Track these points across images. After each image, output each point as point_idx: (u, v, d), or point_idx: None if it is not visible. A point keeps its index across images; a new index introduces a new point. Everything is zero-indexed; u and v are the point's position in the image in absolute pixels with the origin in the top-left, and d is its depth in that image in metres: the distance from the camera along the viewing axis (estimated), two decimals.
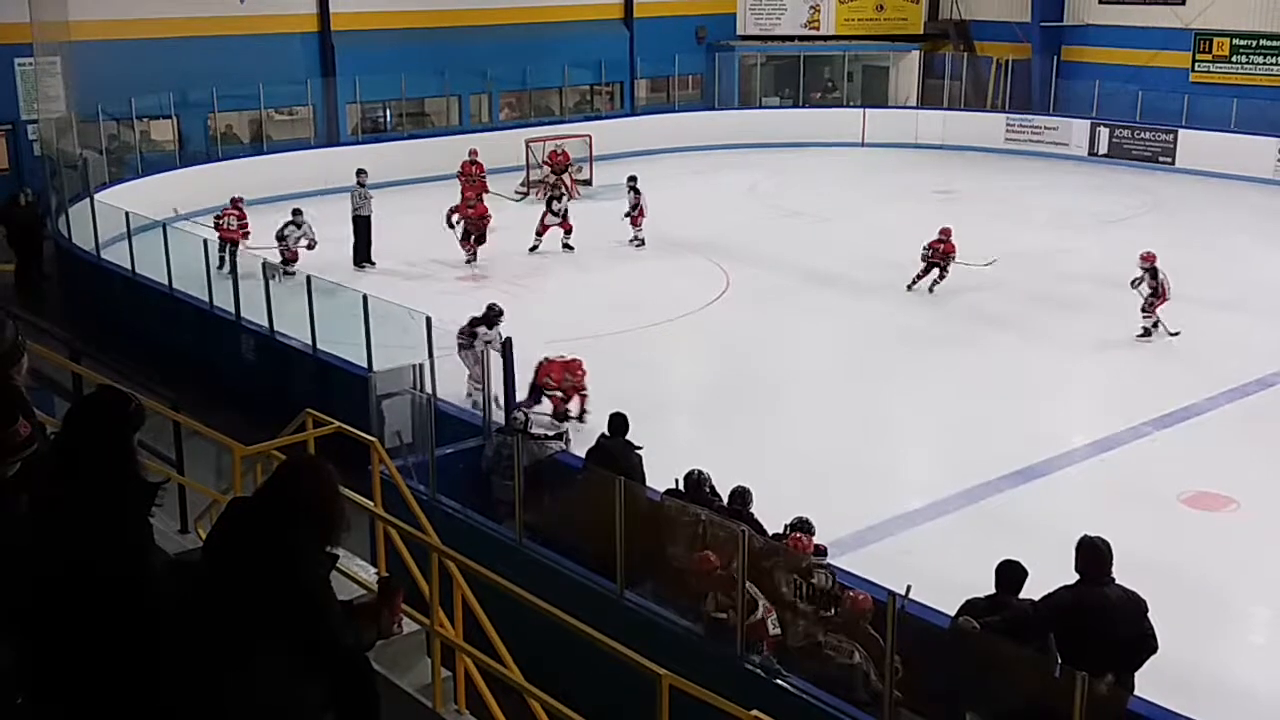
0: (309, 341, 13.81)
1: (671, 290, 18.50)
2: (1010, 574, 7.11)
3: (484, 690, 6.36)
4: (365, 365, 12.51)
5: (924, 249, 18.38)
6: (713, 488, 9.26)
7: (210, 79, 24.54)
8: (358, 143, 27.73)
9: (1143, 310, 16.26)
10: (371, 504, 7.22)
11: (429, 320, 12.05)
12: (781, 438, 12.93)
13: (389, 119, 29.12)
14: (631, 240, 21.19)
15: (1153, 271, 16.29)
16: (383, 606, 3.89)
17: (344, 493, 3.79)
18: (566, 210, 20.83)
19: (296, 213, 18.94)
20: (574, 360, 13.03)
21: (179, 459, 8.23)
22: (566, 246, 20.60)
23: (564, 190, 23.02)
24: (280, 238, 18.53)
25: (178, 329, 16.14)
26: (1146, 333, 16.21)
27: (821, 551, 8.26)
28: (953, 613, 7.14)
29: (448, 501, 9.81)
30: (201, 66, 24.48)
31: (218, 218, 19.18)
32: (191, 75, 24.42)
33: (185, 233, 16.94)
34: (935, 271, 18.33)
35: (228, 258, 16.86)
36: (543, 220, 20.78)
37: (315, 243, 18.64)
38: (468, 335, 12.94)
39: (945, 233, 18.40)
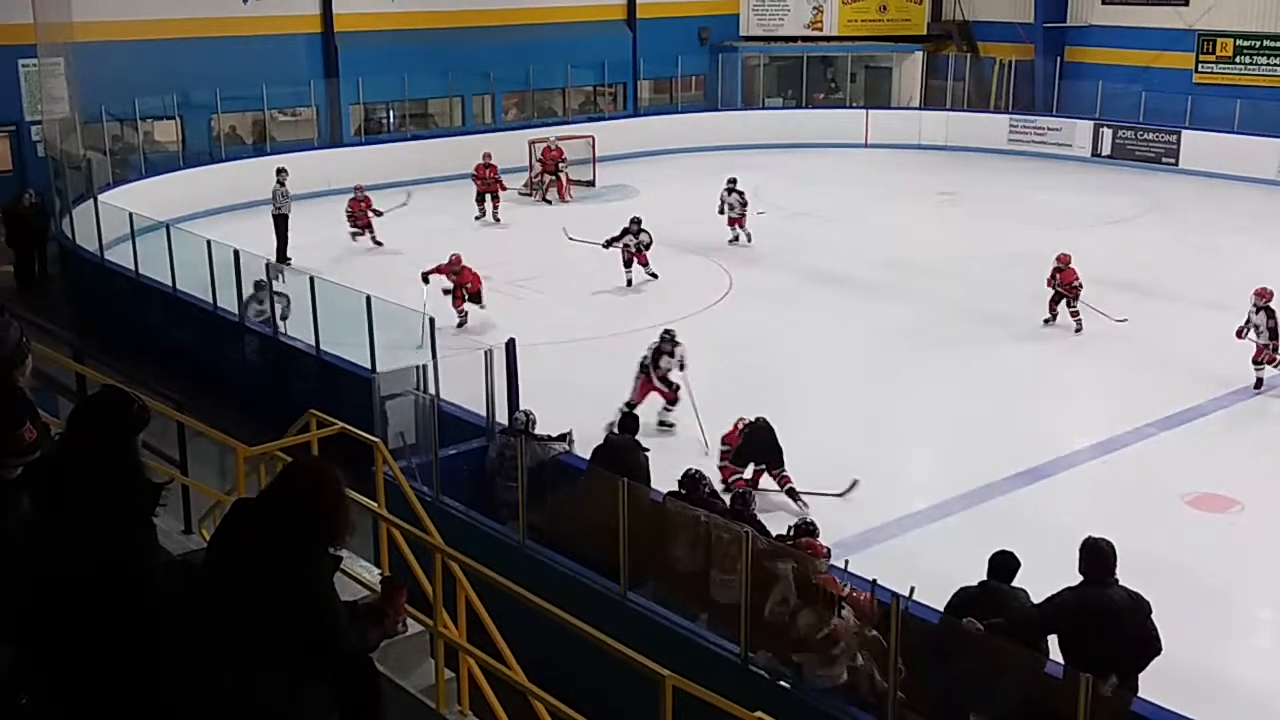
0: (312, 342, 13.82)
1: (674, 291, 18.50)
2: (1002, 563, 7.14)
3: (487, 691, 6.36)
4: (369, 366, 12.52)
5: (1049, 279, 17.01)
6: (712, 489, 9.26)
7: (213, 80, 24.59)
8: (361, 144, 27.77)
9: (1256, 361, 14.27)
10: (375, 505, 7.22)
11: (432, 321, 12.05)
12: (784, 439, 12.91)
13: (392, 120, 29.14)
14: (733, 240, 21.50)
15: (1269, 311, 14.24)
16: (386, 606, 3.89)
17: (348, 494, 3.79)
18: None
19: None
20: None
21: (183, 460, 8.24)
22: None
23: (549, 184, 23.51)
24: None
25: (181, 330, 16.15)
26: (1260, 383, 14.34)
27: (825, 554, 8.25)
28: (958, 614, 7.14)
29: (451, 502, 9.81)
30: (205, 67, 24.53)
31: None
32: (195, 76, 24.46)
33: (188, 234, 16.94)
34: (1063, 302, 16.85)
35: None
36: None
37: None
38: (651, 363, 13.05)
39: (1062, 259, 16.93)
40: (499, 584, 6.06)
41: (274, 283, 14.85)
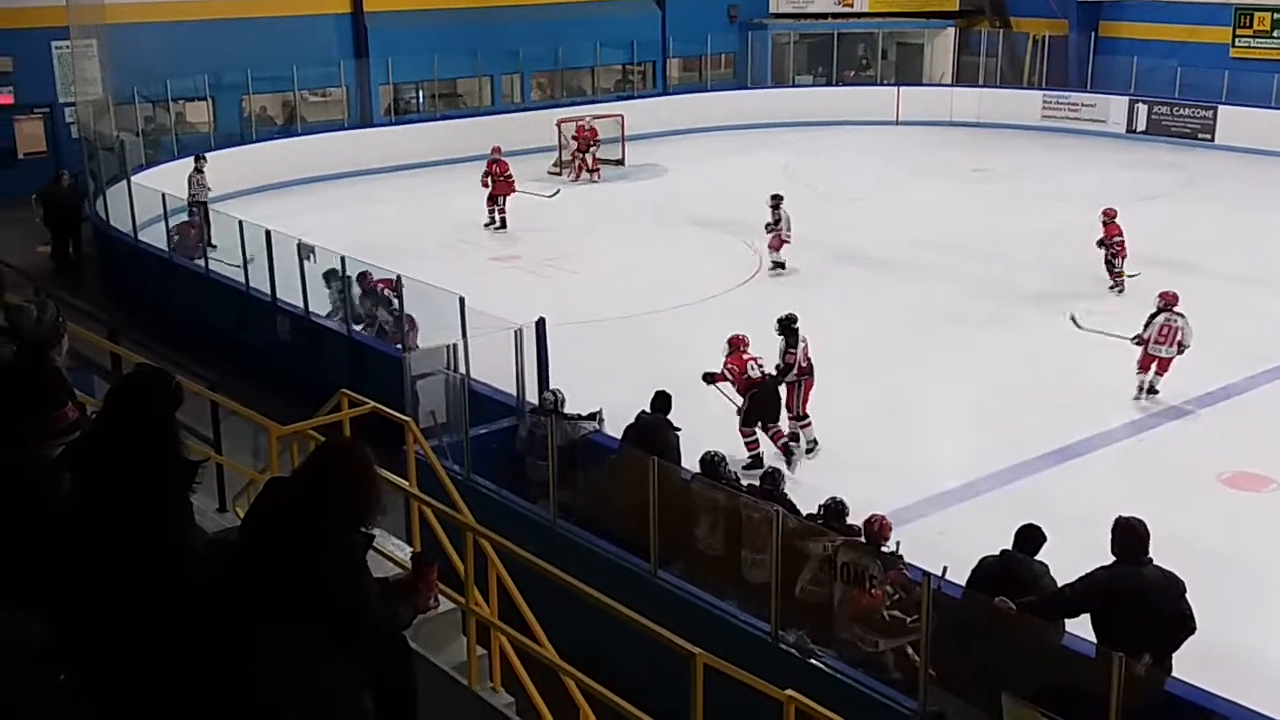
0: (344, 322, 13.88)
1: (704, 270, 18.46)
2: (1028, 536, 7.13)
3: (519, 668, 6.39)
4: (400, 346, 12.56)
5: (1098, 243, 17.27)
6: (730, 471, 9.24)
7: (244, 61, 24.69)
8: (390, 124, 27.84)
9: None
10: (406, 484, 7.26)
11: (462, 300, 12.07)
12: (816, 418, 12.89)
13: (421, 100, 29.17)
14: (773, 267, 18.65)
15: None
16: (417, 581, 3.92)
17: (380, 473, 3.81)
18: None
19: None
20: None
21: (216, 438, 8.31)
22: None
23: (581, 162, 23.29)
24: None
25: (214, 310, 16.27)
26: None
27: (856, 532, 8.24)
28: (978, 585, 7.13)
29: (482, 481, 9.85)
30: (235, 49, 24.63)
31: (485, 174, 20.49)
32: (226, 57, 24.55)
33: (220, 214, 17.03)
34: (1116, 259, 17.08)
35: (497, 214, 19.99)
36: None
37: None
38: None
39: (1108, 214, 17.21)
40: (530, 562, 6.08)
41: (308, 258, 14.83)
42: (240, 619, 3.41)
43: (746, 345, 12.25)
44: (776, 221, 18.54)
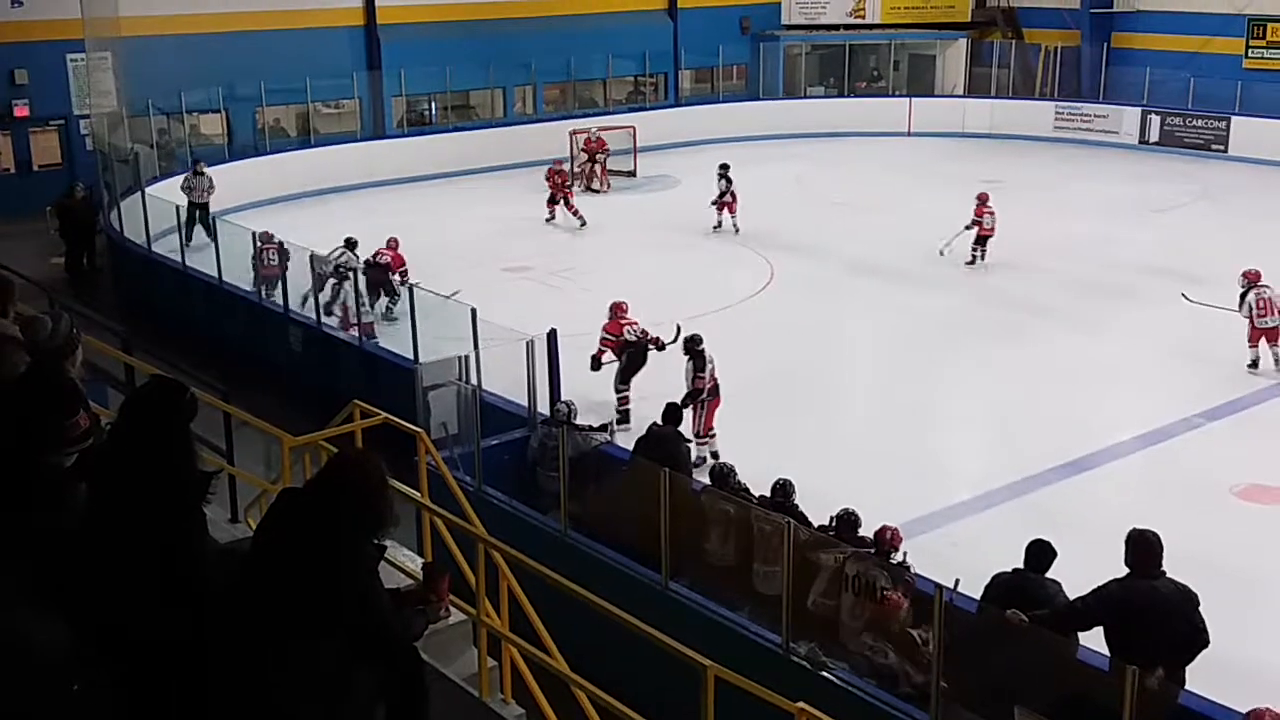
0: (356, 334, 13.92)
1: (716, 281, 18.47)
2: (1037, 553, 7.11)
3: (530, 680, 6.39)
4: (412, 357, 12.60)
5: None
6: (739, 482, 9.24)
7: (258, 73, 24.80)
8: (403, 135, 27.92)
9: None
10: (418, 495, 7.27)
11: (474, 312, 12.09)
12: (827, 429, 12.89)
13: (434, 111, 29.27)
14: (717, 226, 21.41)
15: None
16: (429, 592, 3.93)
17: (392, 484, 3.82)
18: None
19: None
20: None
21: (229, 449, 8.34)
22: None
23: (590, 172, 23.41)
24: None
25: (227, 321, 16.33)
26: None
27: (868, 544, 8.22)
28: (992, 600, 7.11)
29: (493, 492, 9.86)
30: (249, 61, 24.74)
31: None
32: (239, 70, 24.67)
33: (234, 225, 17.10)
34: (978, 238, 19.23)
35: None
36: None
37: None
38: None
39: (981, 197, 19.34)
40: (541, 573, 6.08)
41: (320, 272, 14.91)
42: (252, 630, 3.42)
43: (625, 311, 13.34)
44: (722, 193, 21.08)
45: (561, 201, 22.27)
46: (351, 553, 3.54)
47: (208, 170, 21.15)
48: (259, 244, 15.76)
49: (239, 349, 15.36)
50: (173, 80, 23.42)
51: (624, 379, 13.11)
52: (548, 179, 22.67)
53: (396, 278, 15.84)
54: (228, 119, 25.60)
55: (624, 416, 12.82)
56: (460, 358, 11.56)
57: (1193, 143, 28.92)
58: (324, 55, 26.47)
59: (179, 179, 21.76)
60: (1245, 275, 14.79)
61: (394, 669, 3.57)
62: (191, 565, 3.65)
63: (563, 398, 11.24)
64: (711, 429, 12.34)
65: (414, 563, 6.62)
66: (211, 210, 20.08)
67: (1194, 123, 28.99)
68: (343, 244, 16.16)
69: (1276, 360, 14.46)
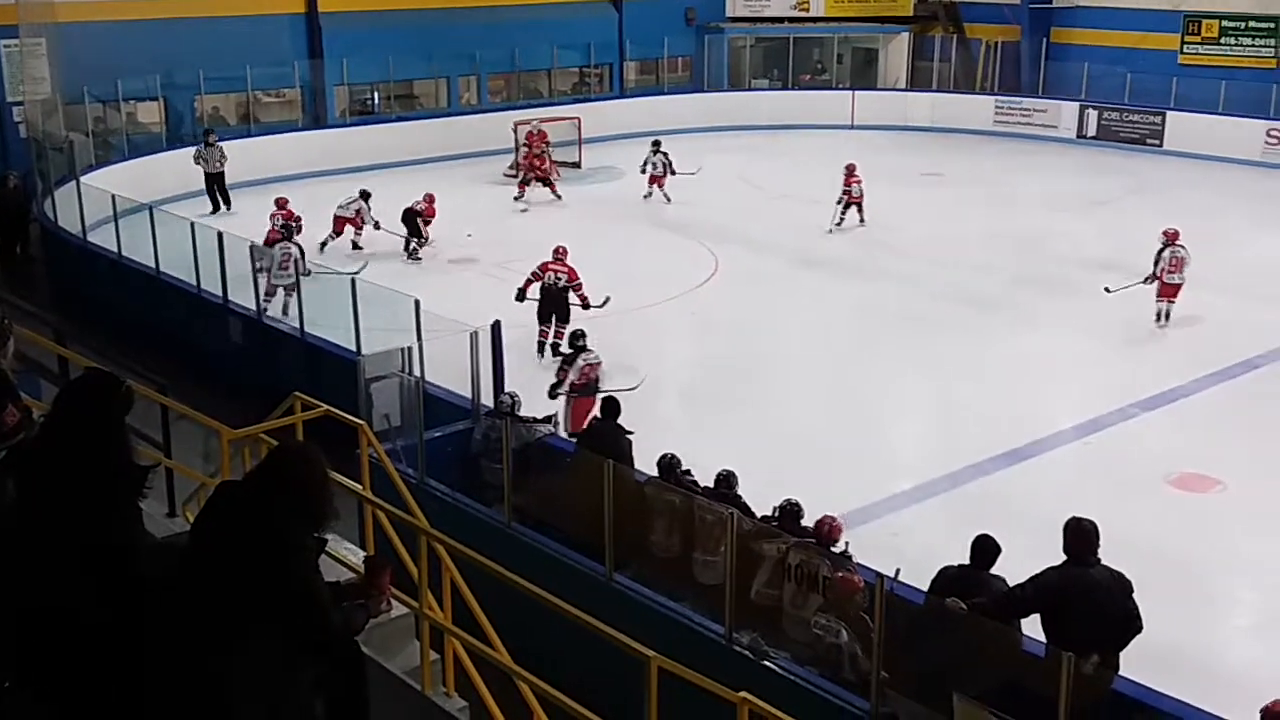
0: (297, 325, 13.78)
1: (661, 273, 18.49)
2: (983, 549, 7.20)
3: (473, 673, 6.37)
4: (353, 349, 12.49)
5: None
6: (687, 472, 9.26)
7: (197, 61, 24.41)
8: (346, 125, 27.64)
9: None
10: (360, 487, 7.21)
11: (417, 303, 12.02)
12: (770, 420, 12.96)
13: (377, 101, 29.01)
14: (646, 195, 22.72)
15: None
16: (370, 585, 3.91)
17: (333, 477, 3.79)
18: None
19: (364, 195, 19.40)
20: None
21: (166, 443, 8.21)
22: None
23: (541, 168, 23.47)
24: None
25: (165, 312, 16.09)
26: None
27: (811, 534, 8.27)
28: (937, 593, 7.19)
29: (436, 485, 9.81)
30: (188, 48, 24.35)
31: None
32: (178, 57, 24.27)
33: (172, 215, 16.86)
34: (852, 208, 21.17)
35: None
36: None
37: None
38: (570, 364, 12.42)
39: (849, 168, 21.30)
40: (484, 566, 6.06)
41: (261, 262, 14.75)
42: (192, 624, 3.38)
43: (561, 256, 14.89)
44: (644, 167, 22.68)
45: (538, 182, 22.74)
46: (291, 546, 3.51)
47: (220, 142, 22.24)
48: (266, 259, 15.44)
49: (177, 340, 15.14)
50: (109, 67, 22.98)
51: (540, 318, 14.60)
52: (524, 161, 23.43)
53: (427, 229, 19.15)
54: (166, 107, 25.19)
55: (539, 348, 14.50)
56: (403, 349, 11.48)
57: (1129, 137, 29.39)
58: (265, 43, 26.12)
59: (114, 168, 21.46)
60: (1164, 233, 16.17)
61: (334, 663, 3.56)
62: (127, 560, 3.60)
63: (506, 389, 11.20)
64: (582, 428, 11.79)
65: (355, 556, 6.57)
66: (227, 179, 22.13)
67: (1130, 118, 29.47)
68: (358, 194, 19.20)
69: (1167, 315, 16.01)
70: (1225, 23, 29.52)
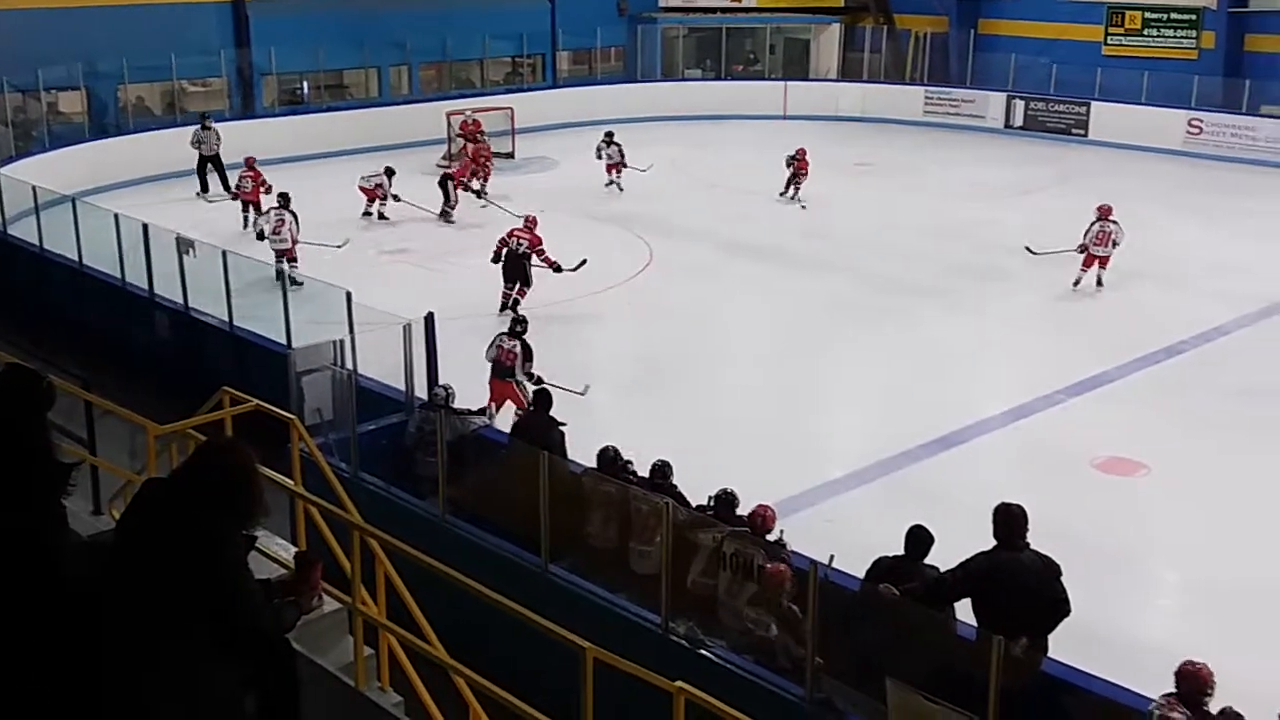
0: (225, 318, 13.58)
1: (595, 263, 18.44)
2: (916, 539, 7.30)
3: (408, 667, 6.33)
4: (284, 342, 12.34)
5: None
6: (627, 462, 9.27)
7: (121, 49, 23.92)
8: (275, 115, 27.26)
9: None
10: (291, 483, 7.14)
11: (349, 295, 11.90)
12: (704, 409, 13.01)
13: (306, 91, 28.64)
14: (608, 184, 23.30)
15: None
16: (300, 581, 3.86)
17: (263, 472, 3.74)
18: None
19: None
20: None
21: (91, 439, 8.07)
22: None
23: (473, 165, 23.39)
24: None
25: (88, 306, 15.77)
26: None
27: (746, 524, 8.32)
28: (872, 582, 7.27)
29: (370, 478, 9.72)
30: (111, 36, 23.88)
31: (237, 185, 20.44)
32: (101, 46, 23.77)
33: (95, 207, 16.53)
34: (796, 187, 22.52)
35: (250, 219, 19.76)
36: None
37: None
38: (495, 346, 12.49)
39: (800, 152, 22.68)
40: (418, 559, 6.03)
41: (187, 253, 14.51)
42: (118, 624, 3.32)
43: (529, 226, 16.16)
44: (598, 154, 23.41)
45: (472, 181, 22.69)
46: (219, 544, 3.46)
47: (214, 125, 22.85)
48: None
49: (101, 335, 14.84)
50: (29, 56, 22.45)
51: (504, 279, 15.89)
52: (470, 155, 23.45)
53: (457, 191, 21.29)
54: (88, 97, 24.66)
55: (502, 304, 15.71)
56: (335, 342, 11.35)
57: (1055, 127, 29.88)
58: (190, 31, 25.70)
59: (36, 159, 20.99)
60: (1099, 209, 17.31)
61: (264, 661, 3.51)
62: (51, 560, 3.53)
63: (441, 381, 11.12)
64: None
65: (287, 552, 6.50)
66: (214, 164, 22.62)
67: (1056, 108, 29.96)
68: (383, 171, 20.97)
69: (1099, 281, 17.22)
70: (1148, 14, 30.12)
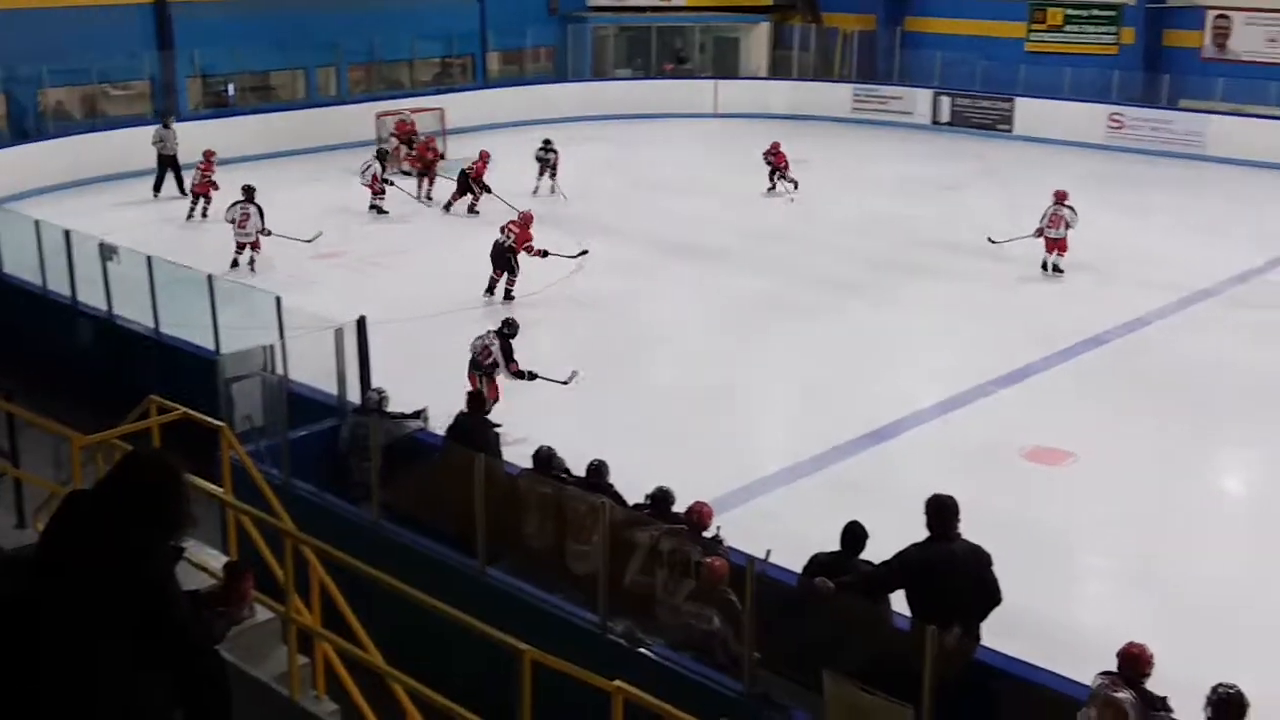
0: (151, 325, 13.36)
1: (528, 264, 18.39)
2: (852, 535, 7.38)
3: (344, 675, 6.28)
4: (212, 348, 12.16)
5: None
6: (561, 464, 9.27)
7: (39, 52, 23.43)
8: (200, 118, 26.83)
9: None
10: (221, 491, 7.04)
11: (278, 300, 11.76)
12: (640, 407, 13.04)
13: (232, 93, 28.23)
14: (553, 190, 23.22)
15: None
16: (230, 591, 3.82)
17: (191, 482, 3.69)
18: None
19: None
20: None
21: (14, 451, 7.91)
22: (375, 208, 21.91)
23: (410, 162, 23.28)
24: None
25: (8, 313, 15.41)
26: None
27: (682, 521, 8.35)
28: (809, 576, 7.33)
29: (302, 485, 9.60)
30: (30, 39, 23.37)
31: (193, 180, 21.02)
32: (19, 48, 23.26)
33: (14, 214, 16.18)
34: (776, 174, 23.18)
35: (199, 210, 20.64)
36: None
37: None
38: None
39: (774, 146, 23.47)
40: (353, 566, 5.98)
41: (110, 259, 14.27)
42: (42, 639, 3.27)
43: (526, 221, 16.98)
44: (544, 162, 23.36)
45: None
46: (145, 555, 3.42)
47: (175, 125, 23.07)
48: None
49: (22, 344, 14.52)
50: None
51: (493, 266, 16.76)
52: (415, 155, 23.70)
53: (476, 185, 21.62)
54: (7, 101, 24.11)
55: (488, 287, 16.80)
56: (265, 348, 11.20)
57: (980, 123, 30.33)
58: (112, 33, 25.19)
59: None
60: (1055, 193, 17.99)
61: (193, 673, 3.47)
62: None
63: (374, 385, 11.03)
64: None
65: (219, 561, 6.42)
66: (172, 166, 22.66)
67: (981, 104, 30.42)
68: (374, 156, 22.05)
69: (1055, 266, 17.82)
70: (1069, 11, 30.68)
